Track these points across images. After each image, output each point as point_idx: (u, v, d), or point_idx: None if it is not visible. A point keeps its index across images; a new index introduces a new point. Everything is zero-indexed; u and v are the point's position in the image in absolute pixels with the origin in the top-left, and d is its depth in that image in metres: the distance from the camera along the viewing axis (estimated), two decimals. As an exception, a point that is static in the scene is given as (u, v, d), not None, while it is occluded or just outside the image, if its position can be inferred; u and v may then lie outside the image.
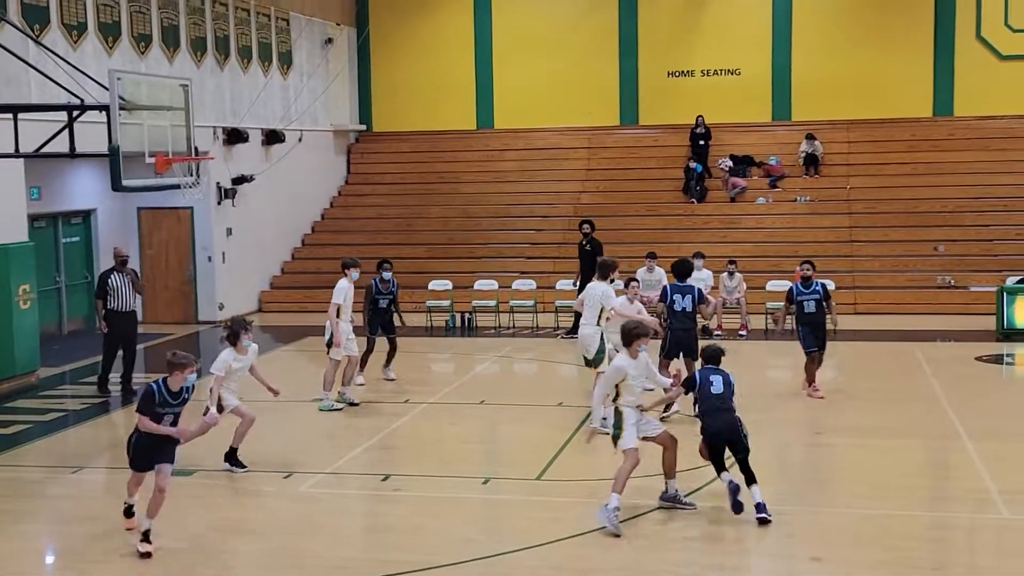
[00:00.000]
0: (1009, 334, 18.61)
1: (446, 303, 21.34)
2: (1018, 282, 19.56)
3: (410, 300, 22.69)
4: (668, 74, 27.64)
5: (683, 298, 13.52)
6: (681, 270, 13.85)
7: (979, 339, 18.51)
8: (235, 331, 11.39)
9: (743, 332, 19.56)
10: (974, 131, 25.93)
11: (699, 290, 13.81)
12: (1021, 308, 18.64)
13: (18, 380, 16.08)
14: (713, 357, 10.21)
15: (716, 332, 19.45)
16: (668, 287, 13.89)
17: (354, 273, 14.75)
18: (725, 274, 19.99)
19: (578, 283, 19.15)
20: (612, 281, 13.34)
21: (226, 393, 11.28)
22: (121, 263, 15.61)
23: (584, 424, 12.85)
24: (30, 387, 16.10)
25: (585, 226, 19.98)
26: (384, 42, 28.68)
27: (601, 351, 12.88)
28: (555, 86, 27.96)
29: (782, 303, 15.52)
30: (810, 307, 14.48)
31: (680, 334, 13.46)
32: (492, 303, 21.31)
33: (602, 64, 27.80)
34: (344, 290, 14.54)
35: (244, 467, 11.51)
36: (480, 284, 21.89)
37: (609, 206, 25.32)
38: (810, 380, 14.57)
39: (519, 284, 21.96)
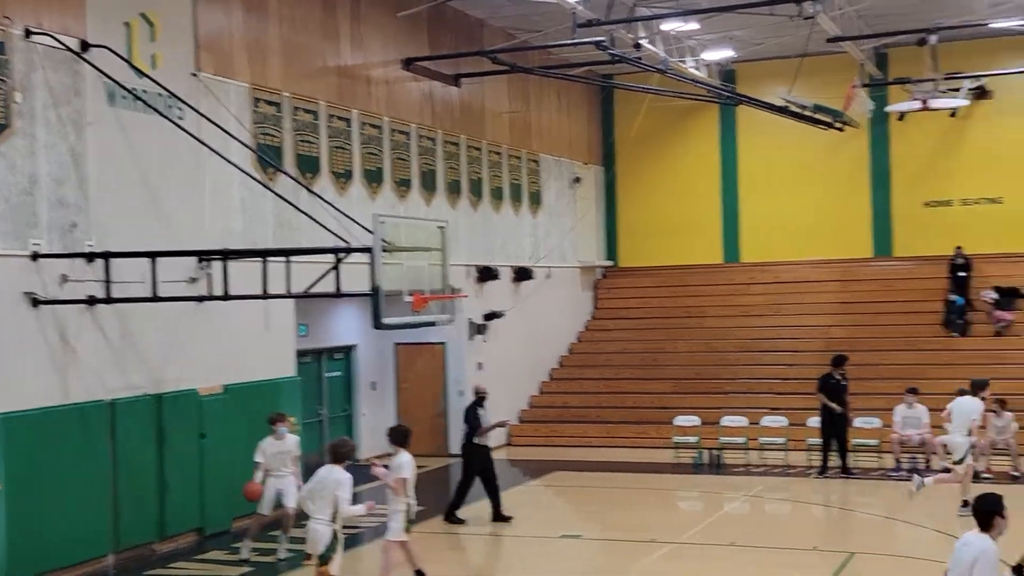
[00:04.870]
0: None
1: (693, 439, 20.99)
2: None
3: (656, 436, 22.55)
4: (924, 204, 26.78)
5: None
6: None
7: None
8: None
9: (1016, 474, 18.26)
10: None
11: None
12: None
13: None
14: None
15: (985, 475, 18.23)
16: None
17: (282, 428, 13.99)
18: (992, 413, 18.77)
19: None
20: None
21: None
22: (481, 399, 16.35)
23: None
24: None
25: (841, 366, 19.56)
26: (630, 179, 29.19)
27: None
28: (803, 218, 27.58)
29: None
30: None
31: None
32: (741, 440, 20.80)
33: (853, 195, 27.25)
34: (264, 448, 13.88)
35: None
36: (728, 420, 21.43)
37: (863, 340, 24.44)
38: None
39: (769, 420, 21.38)
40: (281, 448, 13.91)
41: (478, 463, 16.07)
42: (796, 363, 24.65)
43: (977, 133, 26.35)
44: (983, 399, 15.90)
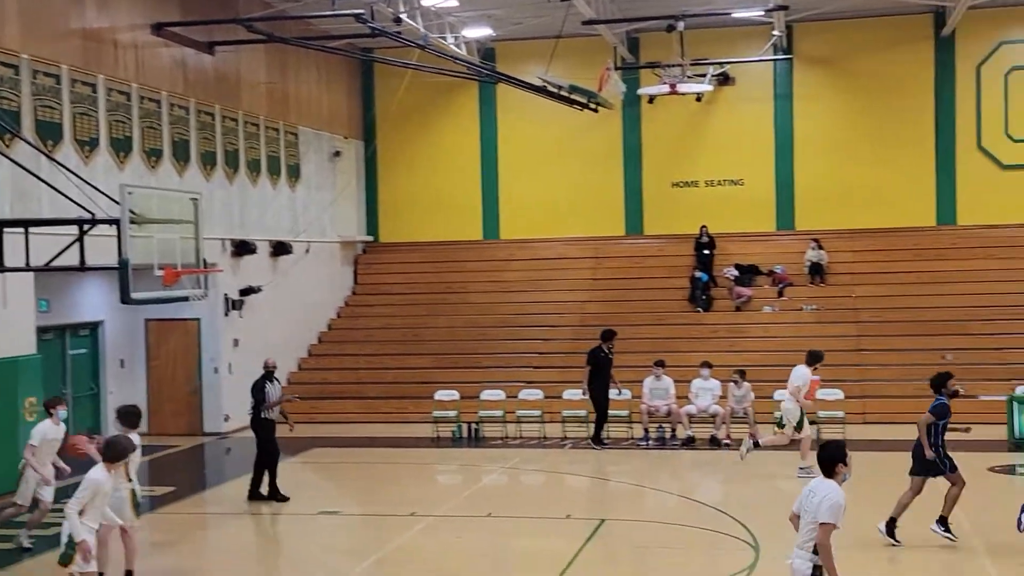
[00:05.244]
0: (1021, 443, 18.40)
1: (452, 413, 21.21)
2: (1028, 390, 19.43)
3: (416, 411, 22.66)
4: (672, 184, 27.98)
5: None
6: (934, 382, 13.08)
7: (991, 449, 18.29)
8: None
9: (753, 440, 19.36)
10: (978, 239, 26.07)
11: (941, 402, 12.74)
12: (1032, 417, 18.47)
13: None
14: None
15: (725, 442, 19.29)
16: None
17: (61, 412, 13.00)
18: (732, 383, 19.86)
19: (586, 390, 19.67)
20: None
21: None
22: (270, 373, 15.96)
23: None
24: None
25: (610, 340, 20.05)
26: (391, 155, 29.11)
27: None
28: (560, 197, 28.29)
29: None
30: None
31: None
32: (499, 413, 21.18)
33: (607, 175, 28.16)
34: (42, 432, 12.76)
35: None
36: (487, 394, 21.77)
37: (615, 315, 25.32)
38: None
39: (526, 394, 21.86)
40: (57, 434, 12.85)
41: (264, 437, 15.77)
42: (553, 337, 25.32)
43: (721, 117, 27.74)
44: (815, 369, 16.78)
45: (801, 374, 16.71)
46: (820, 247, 26.17)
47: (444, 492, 17.27)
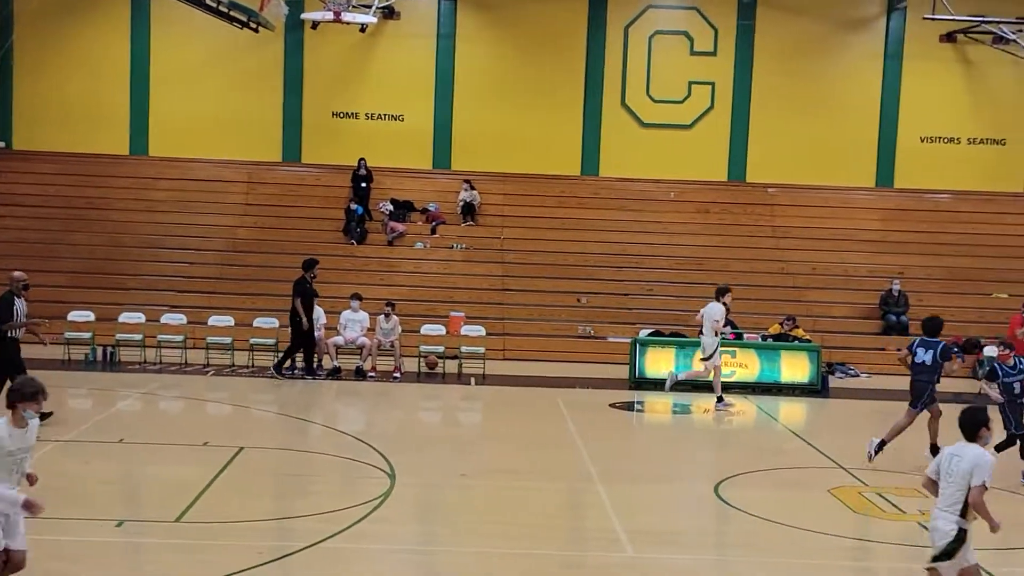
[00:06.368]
0: (640, 383, 19.90)
1: (87, 335, 20.16)
2: (649, 334, 21.03)
3: (47, 331, 21.26)
4: (333, 114, 27.73)
5: (925, 352, 14.09)
6: (931, 327, 14.23)
7: (614, 387, 19.68)
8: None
9: (397, 375, 19.77)
10: (616, 191, 27.74)
11: (944, 346, 14.09)
12: (652, 359, 20.03)
13: None
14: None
15: (370, 374, 19.56)
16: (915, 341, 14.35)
17: None
18: (382, 316, 20.12)
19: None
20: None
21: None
22: (24, 288, 14.63)
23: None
24: None
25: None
26: (29, 56, 26.91)
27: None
28: (215, 117, 27.31)
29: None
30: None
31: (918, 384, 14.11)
32: (138, 337, 20.35)
33: (265, 99, 27.45)
34: None
35: None
36: (125, 316, 20.87)
37: (268, 243, 24.95)
38: None
39: (168, 318, 21.15)
40: None
41: (7, 358, 14.42)
42: (199, 262, 24.62)
43: (384, 51, 27.74)
44: (724, 304, 17.73)
45: (718, 310, 17.62)
46: (473, 188, 26.91)
47: (73, 417, 16.39)
